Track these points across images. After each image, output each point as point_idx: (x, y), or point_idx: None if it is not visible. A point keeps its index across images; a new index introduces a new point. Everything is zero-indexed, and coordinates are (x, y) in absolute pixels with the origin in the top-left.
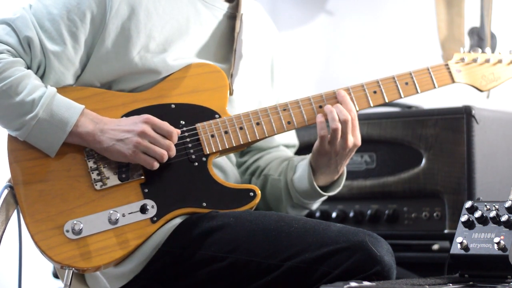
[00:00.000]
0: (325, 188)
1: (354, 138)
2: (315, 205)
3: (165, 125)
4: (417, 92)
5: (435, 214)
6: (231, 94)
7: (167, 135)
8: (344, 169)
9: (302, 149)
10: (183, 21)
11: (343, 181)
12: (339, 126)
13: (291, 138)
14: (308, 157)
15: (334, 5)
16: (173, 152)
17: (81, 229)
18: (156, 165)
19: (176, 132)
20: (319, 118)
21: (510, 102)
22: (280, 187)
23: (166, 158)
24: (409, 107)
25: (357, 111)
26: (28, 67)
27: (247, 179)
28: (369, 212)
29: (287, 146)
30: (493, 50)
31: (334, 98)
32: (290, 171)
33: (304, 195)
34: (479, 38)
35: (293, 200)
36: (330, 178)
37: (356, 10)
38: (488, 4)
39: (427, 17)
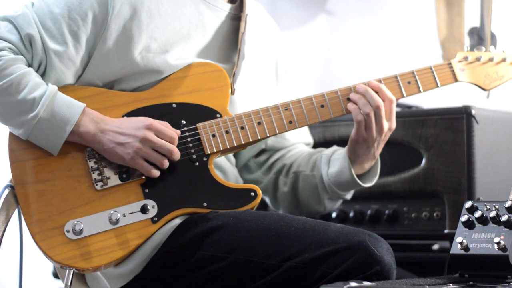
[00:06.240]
0: (360, 177)
1: (390, 122)
2: (350, 195)
3: (168, 130)
4: (420, 91)
5: (435, 214)
6: (232, 93)
7: (169, 141)
8: (378, 158)
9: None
10: (185, 23)
11: (378, 170)
12: (372, 110)
13: (307, 136)
14: (342, 149)
15: (334, 5)
16: (177, 155)
17: (82, 229)
18: (155, 173)
19: (177, 137)
20: (351, 105)
21: (510, 102)
22: (315, 183)
23: (166, 164)
24: (409, 107)
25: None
26: (29, 65)
27: (274, 177)
28: (369, 212)
29: (305, 145)
30: None
31: (336, 98)
32: (324, 165)
33: (342, 188)
34: (479, 38)
35: (329, 193)
36: (367, 166)
37: (356, 10)
38: (488, 4)
39: (427, 17)
